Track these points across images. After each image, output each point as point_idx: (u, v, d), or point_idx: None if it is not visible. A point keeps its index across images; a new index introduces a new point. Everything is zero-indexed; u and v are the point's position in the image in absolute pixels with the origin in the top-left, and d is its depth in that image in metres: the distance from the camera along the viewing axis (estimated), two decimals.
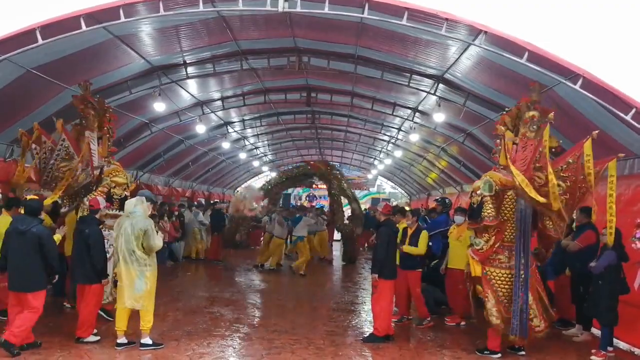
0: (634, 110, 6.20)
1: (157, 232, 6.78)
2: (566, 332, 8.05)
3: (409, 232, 8.37)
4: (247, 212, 14.91)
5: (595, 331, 7.81)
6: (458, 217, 8.75)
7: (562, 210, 6.38)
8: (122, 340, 6.59)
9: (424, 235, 8.32)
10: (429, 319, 8.44)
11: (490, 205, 6.74)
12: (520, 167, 6.79)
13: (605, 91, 6.27)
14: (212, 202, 19.09)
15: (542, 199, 6.19)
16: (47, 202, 7.43)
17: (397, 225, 8.16)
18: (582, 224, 7.36)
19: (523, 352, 6.89)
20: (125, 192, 7.98)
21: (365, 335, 7.61)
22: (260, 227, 16.60)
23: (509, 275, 6.71)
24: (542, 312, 6.85)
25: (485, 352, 6.85)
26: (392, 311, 7.92)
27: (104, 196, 7.63)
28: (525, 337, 6.71)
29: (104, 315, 7.49)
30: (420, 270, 8.48)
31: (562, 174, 6.55)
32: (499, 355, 6.80)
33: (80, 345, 6.57)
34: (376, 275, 7.44)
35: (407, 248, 8.22)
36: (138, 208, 6.67)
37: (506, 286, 6.71)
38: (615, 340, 7.26)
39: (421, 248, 8.26)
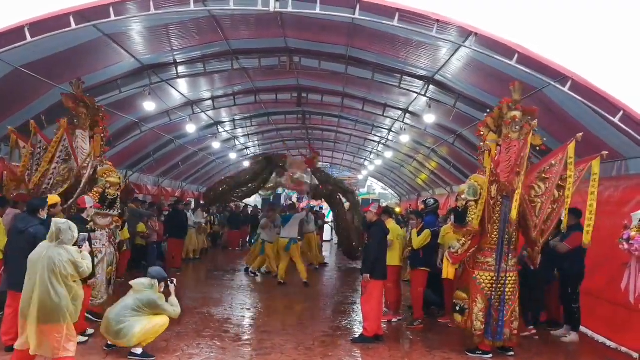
0: (621, 113, 6.27)
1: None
2: (554, 332, 8.11)
3: (415, 232, 8.51)
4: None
5: (584, 330, 7.90)
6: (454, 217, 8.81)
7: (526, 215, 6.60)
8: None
9: (425, 233, 8.40)
10: (420, 320, 8.48)
11: (475, 210, 6.77)
12: (504, 170, 6.83)
13: (594, 93, 6.33)
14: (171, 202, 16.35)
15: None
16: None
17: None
18: (571, 225, 7.42)
19: (512, 353, 6.93)
20: (117, 192, 7.94)
21: (355, 336, 7.62)
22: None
23: (500, 278, 6.73)
24: (519, 313, 6.99)
25: (478, 352, 6.87)
26: (382, 312, 7.94)
27: (98, 197, 7.60)
28: (499, 341, 6.77)
29: (91, 317, 7.39)
30: (424, 269, 8.50)
31: (543, 176, 6.61)
32: (490, 355, 6.84)
33: None
34: (368, 276, 7.45)
35: (414, 237, 8.42)
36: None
37: (496, 288, 6.74)
38: (605, 340, 7.46)
39: (415, 241, 8.37)
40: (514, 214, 6.46)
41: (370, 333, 7.41)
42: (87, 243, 5.34)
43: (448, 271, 7.07)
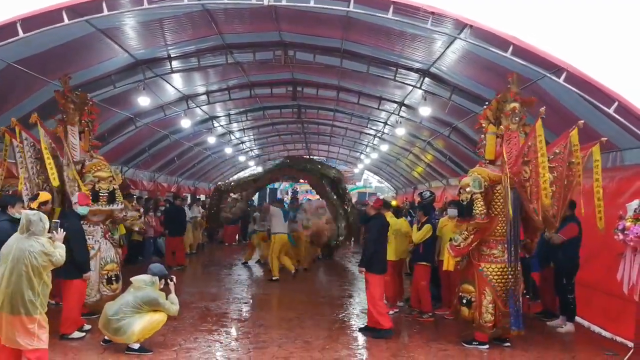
0: (616, 104, 6.28)
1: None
2: (550, 323, 8.15)
3: (415, 228, 8.62)
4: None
5: (580, 321, 7.94)
6: (452, 210, 8.79)
7: (549, 205, 6.53)
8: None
9: (425, 227, 8.46)
10: (430, 314, 8.51)
11: (482, 203, 6.76)
12: (506, 161, 6.83)
13: (589, 84, 6.34)
14: (167, 198, 16.38)
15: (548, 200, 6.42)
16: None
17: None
18: (566, 216, 7.45)
19: (508, 343, 6.97)
20: (113, 185, 7.82)
21: (362, 327, 7.68)
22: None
23: (505, 269, 6.77)
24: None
25: (474, 342, 6.90)
26: (383, 304, 7.95)
27: (89, 193, 7.50)
28: (522, 330, 6.80)
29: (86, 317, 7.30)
30: (426, 264, 8.53)
31: (549, 165, 6.62)
32: (487, 346, 6.87)
33: (64, 342, 6.51)
34: (363, 269, 7.46)
35: (414, 231, 8.63)
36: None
37: (503, 280, 6.77)
38: (600, 330, 7.53)
39: (415, 236, 8.49)
40: (546, 201, 6.42)
41: (385, 325, 7.39)
42: (60, 230, 5.29)
43: (448, 263, 7.07)
